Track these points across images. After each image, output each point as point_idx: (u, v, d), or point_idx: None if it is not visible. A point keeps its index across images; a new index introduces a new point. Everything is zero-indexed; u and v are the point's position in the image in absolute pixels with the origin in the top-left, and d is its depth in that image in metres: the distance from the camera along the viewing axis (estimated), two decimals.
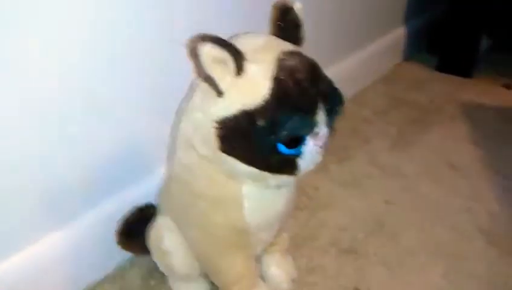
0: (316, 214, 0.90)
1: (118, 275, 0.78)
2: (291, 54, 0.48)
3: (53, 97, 0.60)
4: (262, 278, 0.72)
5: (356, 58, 1.27)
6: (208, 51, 0.43)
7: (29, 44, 0.55)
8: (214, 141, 0.49)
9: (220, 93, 0.47)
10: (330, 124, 0.50)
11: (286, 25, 0.52)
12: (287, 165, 0.50)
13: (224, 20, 0.76)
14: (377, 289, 0.76)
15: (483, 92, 1.38)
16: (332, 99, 0.50)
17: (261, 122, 0.46)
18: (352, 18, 1.18)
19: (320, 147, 0.51)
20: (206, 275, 0.69)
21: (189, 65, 0.45)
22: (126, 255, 0.78)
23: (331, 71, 0.51)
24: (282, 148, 0.48)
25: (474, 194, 0.97)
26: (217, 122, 0.48)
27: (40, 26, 0.56)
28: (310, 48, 0.53)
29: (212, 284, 0.70)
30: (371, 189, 0.98)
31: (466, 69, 1.45)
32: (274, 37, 0.52)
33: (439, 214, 0.91)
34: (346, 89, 0.50)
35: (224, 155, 0.50)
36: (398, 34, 1.45)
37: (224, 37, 0.46)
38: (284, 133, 0.46)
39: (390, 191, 0.97)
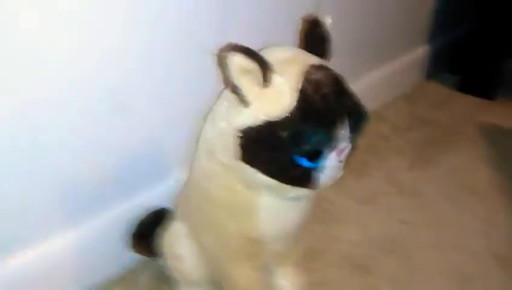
0: (331, 229, 0.90)
1: (128, 276, 0.78)
2: (318, 67, 0.49)
3: (73, 96, 0.61)
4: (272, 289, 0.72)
5: (378, 74, 1.26)
6: (238, 61, 0.44)
7: (53, 38, 0.56)
8: (235, 150, 0.49)
9: (246, 103, 0.47)
10: (352, 140, 0.50)
11: (314, 39, 0.52)
12: (306, 178, 0.50)
13: (251, 31, 0.77)
14: None
15: (504, 115, 1.37)
16: (357, 115, 0.50)
17: (284, 134, 0.46)
18: (376, 34, 1.18)
19: (340, 162, 0.51)
20: (215, 283, 0.69)
21: (213, 72, 0.45)
22: (137, 257, 0.78)
23: (353, 85, 0.50)
24: (303, 161, 0.48)
25: (490, 217, 0.95)
26: (240, 131, 0.48)
27: (71, 22, 0.57)
28: (332, 62, 0.53)
29: None
30: (386, 207, 0.97)
31: (488, 90, 1.44)
32: (301, 50, 0.52)
33: (453, 236, 0.90)
34: (366, 104, 0.50)
35: (244, 165, 0.50)
36: (421, 52, 1.44)
37: (253, 48, 0.46)
38: (307, 146, 0.47)
39: (406, 210, 0.96)
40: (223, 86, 0.52)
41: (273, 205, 0.55)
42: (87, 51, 0.60)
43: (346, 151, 0.50)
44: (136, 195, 0.75)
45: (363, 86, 1.12)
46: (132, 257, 0.77)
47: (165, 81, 0.71)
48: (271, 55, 0.49)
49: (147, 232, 0.72)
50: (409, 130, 1.27)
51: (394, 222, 0.93)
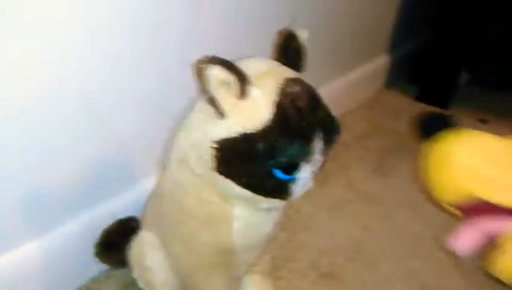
0: (297, 236, 0.90)
1: (92, 287, 0.76)
2: (294, 80, 0.49)
3: (39, 102, 0.59)
4: None
5: (340, 83, 1.29)
6: (216, 73, 0.44)
7: (27, 43, 0.54)
8: (210, 162, 0.49)
9: (221, 115, 0.47)
10: (325, 152, 0.51)
11: (290, 52, 0.53)
12: (281, 190, 0.51)
13: (227, 43, 0.76)
14: None
15: (459, 125, 1.42)
16: (330, 128, 0.51)
17: (260, 147, 0.46)
18: (338, 44, 1.20)
19: (313, 173, 0.52)
20: None
21: (187, 81, 0.45)
22: (103, 267, 0.77)
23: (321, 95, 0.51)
24: (278, 173, 0.48)
25: (449, 225, 0.98)
26: (215, 143, 0.48)
27: (39, 27, 0.55)
28: None
29: None
30: (349, 214, 0.99)
31: (443, 101, 1.49)
32: (277, 63, 0.52)
33: (414, 244, 0.92)
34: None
35: (219, 176, 0.50)
36: (382, 62, 1.48)
37: (229, 59, 0.46)
38: (282, 158, 0.47)
39: (368, 217, 0.98)
40: (195, 95, 0.52)
41: (247, 216, 0.55)
42: (55, 58, 0.58)
43: (319, 163, 0.51)
44: (103, 204, 0.74)
45: (325, 95, 1.13)
46: (99, 267, 0.76)
47: (135, 89, 0.69)
48: (247, 68, 0.48)
49: (114, 242, 0.70)
50: (370, 138, 1.30)
51: (358, 229, 0.95)
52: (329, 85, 1.23)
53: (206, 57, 0.44)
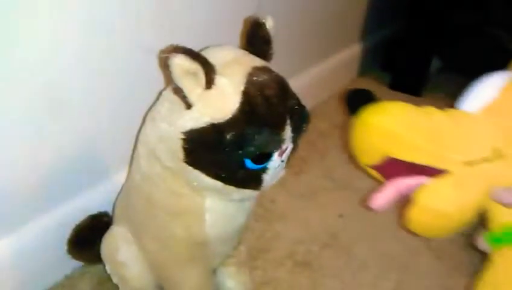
0: (272, 226, 0.90)
1: (67, 284, 0.75)
2: (261, 69, 0.49)
3: (6, 96, 0.57)
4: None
5: (313, 72, 1.29)
6: (180, 63, 0.43)
7: None
8: (179, 153, 0.48)
9: (188, 105, 0.46)
10: (294, 140, 0.51)
11: (256, 40, 0.52)
12: (252, 180, 0.50)
13: (194, 32, 0.75)
14: None
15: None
16: (299, 117, 0.50)
17: (228, 137, 0.46)
18: (309, 33, 1.20)
19: (282, 162, 0.52)
20: (161, 288, 0.67)
21: (155, 72, 0.44)
22: (76, 264, 0.75)
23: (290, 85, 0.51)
24: (248, 163, 0.48)
25: None
26: (183, 134, 0.47)
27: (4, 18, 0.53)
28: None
29: None
30: (325, 202, 0.99)
31: (416, 88, 1.51)
32: (244, 52, 0.52)
33: (390, 229, 0.93)
34: (303, 102, 0.51)
35: (189, 168, 0.49)
36: (355, 50, 1.48)
37: (195, 49, 0.46)
38: (251, 148, 0.47)
39: (344, 205, 0.99)
40: (162, 85, 0.51)
41: (220, 207, 0.55)
42: (21, 49, 0.56)
43: (288, 151, 0.51)
44: (73, 199, 0.72)
45: (298, 84, 1.13)
46: (72, 263, 0.74)
47: (103, 81, 0.68)
48: (213, 56, 0.48)
49: (86, 238, 0.69)
50: (344, 127, 1.30)
51: (334, 216, 0.95)
52: (303, 75, 1.23)
53: (170, 46, 0.43)
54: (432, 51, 1.47)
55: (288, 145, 0.50)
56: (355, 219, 0.95)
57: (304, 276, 0.81)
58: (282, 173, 0.55)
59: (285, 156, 0.51)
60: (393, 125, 0.44)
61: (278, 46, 0.54)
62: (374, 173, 0.49)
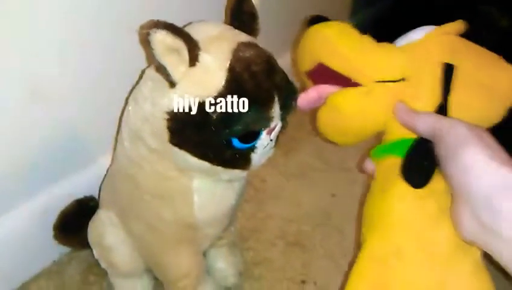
0: (263, 207, 0.89)
1: (55, 270, 0.74)
2: (248, 45, 0.47)
3: None
4: (209, 272, 0.71)
5: None
6: (161, 39, 0.40)
7: None
8: (164, 134, 0.47)
9: (172, 83, 0.44)
10: (283, 118, 0.50)
11: (241, 15, 0.50)
12: (240, 160, 0.49)
13: (177, 7, 0.72)
14: (323, 281, 0.76)
15: None
16: (287, 94, 0.49)
17: (213, 115, 0.44)
18: (299, 11, 1.17)
19: (271, 141, 0.50)
20: (150, 271, 0.66)
21: (137, 51, 0.42)
22: (64, 249, 0.74)
23: (279, 63, 0.50)
24: (236, 142, 0.46)
25: None
26: (167, 114, 0.45)
27: None
28: (257, 39, 0.52)
29: (156, 279, 0.68)
30: (317, 182, 0.98)
31: None
32: (230, 27, 0.50)
33: None
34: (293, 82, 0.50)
35: (175, 148, 0.48)
36: None
37: (178, 24, 0.44)
38: (238, 127, 0.45)
39: (336, 184, 0.98)
40: (145, 64, 0.49)
41: (208, 189, 0.53)
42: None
43: (277, 129, 0.50)
44: (59, 184, 0.70)
45: (286, 63, 1.12)
46: (60, 249, 0.73)
47: (84, 62, 0.65)
48: (197, 32, 0.46)
49: (72, 223, 0.68)
50: None
51: (325, 196, 0.94)
52: (291, 54, 1.21)
53: (150, 21, 0.41)
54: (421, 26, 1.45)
55: (277, 123, 0.49)
56: (347, 198, 0.94)
57: (296, 256, 0.80)
58: (271, 152, 0.53)
59: (274, 134, 0.50)
60: (328, 33, 0.50)
61: (268, 24, 0.52)
62: (308, 81, 0.54)
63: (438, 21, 0.52)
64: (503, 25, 0.96)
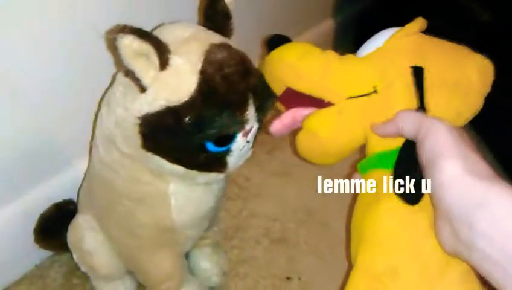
0: (247, 205, 0.89)
1: (37, 274, 0.73)
2: (220, 46, 0.46)
3: None
4: (193, 272, 0.70)
5: None
6: (128, 44, 0.40)
7: None
8: (136, 139, 0.46)
9: (142, 88, 0.43)
10: (260, 120, 0.49)
11: (215, 16, 0.49)
12: (215, 163, 0.48)
13: (148, 8, 0.71)
14: (308, 277, 0.77)
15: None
16: (263, 95, 0.48)
17: (186, 120, 0.43)
18: (281, 10, 1.16)
19: (248, 142, 0.49)
20: (132, 273, 0.66)
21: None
22: (46, 253, 0.73)
23: (259, 65, 0.49)
24: (210, 146, 0.45)
25: None
26: (139, 118, 0.45)
27: None
28: (234, 40, 0.51)
29: (139, 281, 0.67)
30: (300, 179, 0.97)
31: None
32: (202, 28, 0.49)
33: None
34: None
35: (148, 153, 0.47)
36: (328, 26, 1.45)
37: (148, 27, 0.43)
38: (211, 130, 0.44)
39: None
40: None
41: (185, 192, 0.53)
42: None
43: (253, 131, 0.49)
44: (37, 188, 0.69)
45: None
46: (41, 253, 0.72)
47: (59, 67, 0.64)
48: (169, 34, 0.45)
49: (52, 227, 0.67)
50: None
51: (309, 193, 0.94)
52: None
53: (116, 26, 0.40)
54: (404, 24, 1.44)
55: (252, 125, 0.48)
56: (331, 195, 0.94)
57: (281, 253, 0.80)
58: (249, 153, 0.53)
59: (250, 136, 0.49)
60: (289, 57, 0.49)
61: (248, 24, 0.51)
62: (281, 106, 0.53)
63: (420, 14, 0.52)
64: (483, 19, 0.96)
